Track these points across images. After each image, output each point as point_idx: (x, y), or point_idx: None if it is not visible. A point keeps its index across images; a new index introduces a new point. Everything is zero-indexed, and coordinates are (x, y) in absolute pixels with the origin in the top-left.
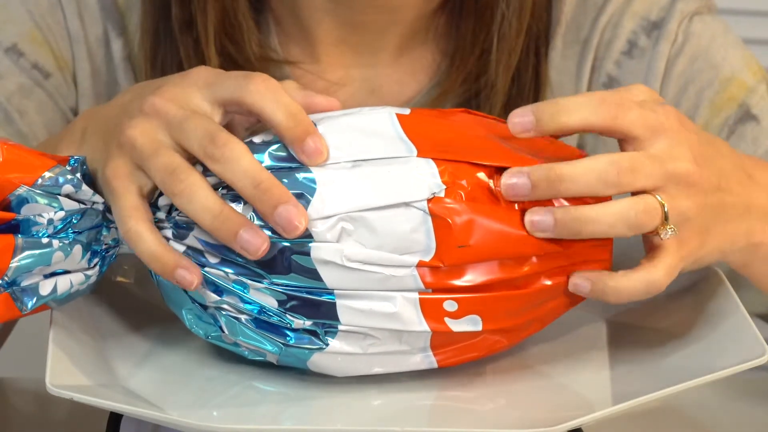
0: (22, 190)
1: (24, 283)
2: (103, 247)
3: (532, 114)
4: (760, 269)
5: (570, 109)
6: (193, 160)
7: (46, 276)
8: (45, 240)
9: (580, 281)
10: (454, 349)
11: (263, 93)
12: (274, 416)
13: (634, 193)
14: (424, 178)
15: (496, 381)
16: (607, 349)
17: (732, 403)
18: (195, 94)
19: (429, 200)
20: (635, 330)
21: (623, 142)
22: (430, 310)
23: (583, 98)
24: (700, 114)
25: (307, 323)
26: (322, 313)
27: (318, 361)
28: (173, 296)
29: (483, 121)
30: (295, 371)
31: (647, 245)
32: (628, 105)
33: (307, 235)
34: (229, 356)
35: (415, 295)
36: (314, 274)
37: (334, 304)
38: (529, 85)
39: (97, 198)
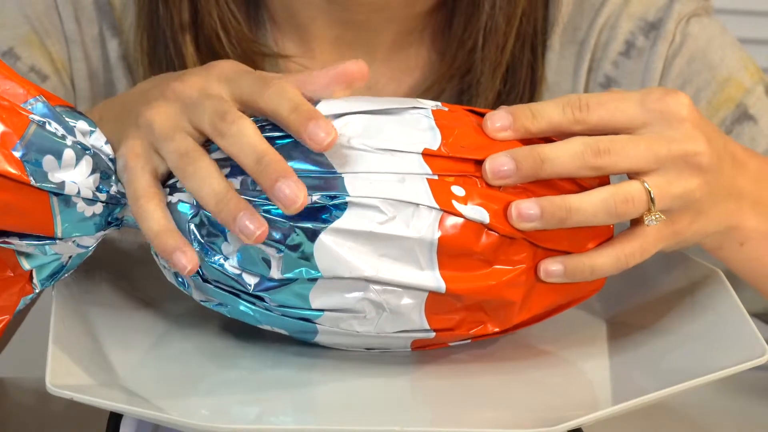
0: (40, 102)
1: (35, 158)
2: (112, 190)
3: (509, 114)
4: (733, 253)
5: (540, 111)
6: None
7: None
8: (59, 135)
9: (554, 267)
10: (461, 266)
11: (272, 96)
12: (275, 416)
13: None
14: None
15: (496, 380)
16: (607, 349)
17: (732, 403)
18: (215, 85)
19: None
20: (635, 330)
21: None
22: (438, 190)
23: (551, 101)
24: None
25: (316, 196)
26: (329, 185)
27: (324, 245)
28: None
29: None
30: (297, 370)
31: (631, 222)
32: (598, 102)
33: None
34: (230, 356)
35: (423, 177)
36: (321, 156)
37: (342, 178)
38: (524, 83)
39: (108, 149)
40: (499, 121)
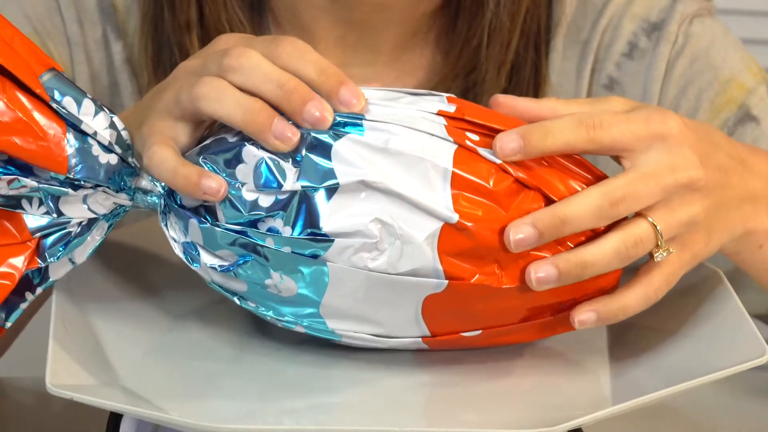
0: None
1: (57, 92)
2: (128, 159)
3: (520, 138)
4: (751, 257)
5: (555, 131)
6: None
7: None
8: (77, 88)
9: (585, 316)
10: (474, 203)
11: (291, 54)
12: (275, 416)
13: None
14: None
15: (496, 380)
16: (607, 349)
17: (732, 403)
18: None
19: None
20: (635, 330)
21: (618, 158)
22: (453, 131)
23: (566, 120)
24: (700, 115)
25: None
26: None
27: (339, 152)
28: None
29: None
30: (297, 371)
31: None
32: (610, 121)
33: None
34: (230, 356)
35: (440, 123)
36: None
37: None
38: (528, 81)
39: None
40: (509, 146)
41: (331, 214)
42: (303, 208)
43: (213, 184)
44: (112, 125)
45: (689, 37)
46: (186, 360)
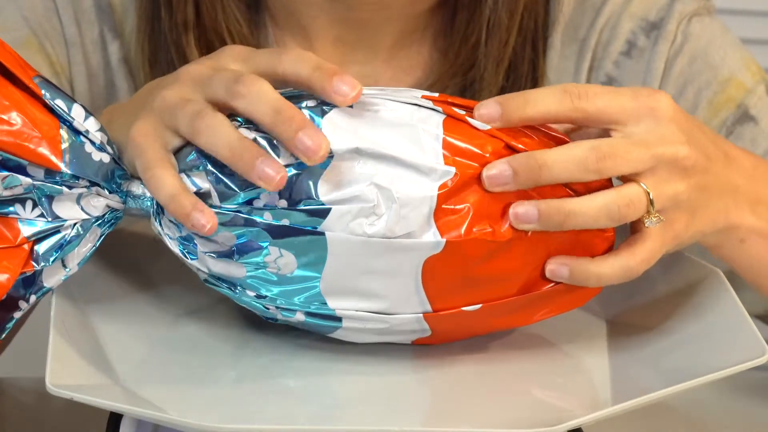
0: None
1: (49, 95)
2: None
3: (498, 105)
4: (734, 251)
5: (535, 99)
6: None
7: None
8: (66, 94)
9: (557, 267)
10: (467, 156)
11: (292, 59)
12: (274, 416)
13: (622, 179)
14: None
15: (495, 380)
16: (607, 349)
17: (732, 403)
18: (231, 64)
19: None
20: (635, 330)
21: (607, 130)
22: (439, 104)
23: (549, 89)
24: (699, 114)
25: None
26: None
27: (332, 119)
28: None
29: None
30: (296, 372)
31: (631, 227)
32: (596, 92)
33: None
34: (230, 355)
35: (426, 101)
36: None
37: None
38: (526, 78)
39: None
40: (487, 109)
41: (327, 183)
42: (299, 180)
43: (202, 219)
44: (102, 130)
45: (688, 36)
46: (186, 360)
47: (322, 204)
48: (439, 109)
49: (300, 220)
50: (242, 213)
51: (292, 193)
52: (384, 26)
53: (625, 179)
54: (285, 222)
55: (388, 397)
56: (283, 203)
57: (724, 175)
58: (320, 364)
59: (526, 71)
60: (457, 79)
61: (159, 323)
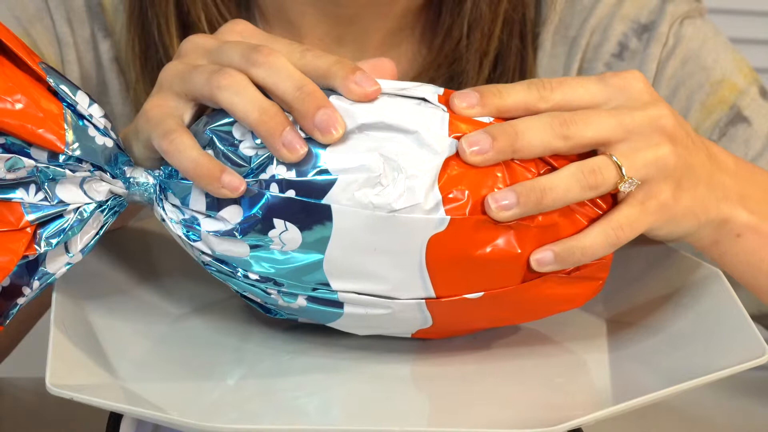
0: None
1: (54, 81)
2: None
3: (476, 93)
4: (730, 247)
5: (508, 90)
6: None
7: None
8: (70, 81)
9: (542, 254)
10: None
11: (311, 53)
12: (275, 416)
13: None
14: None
15: (496, 380)
16: (607, 349)
17: (732, 403)
18: (234, 37)
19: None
20: (636, 330)
21: None
22: (444, 101)
23: (519, 83)
24: (691, 116)
25: None
26: None
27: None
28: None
29: None
30: (297, 372)
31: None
32: (560, 81)
33: None
34: (230, 356)
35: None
36: None
37: None
38: (514, 71)
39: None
40: (467, 99)
41: (333, 152)
42: (305, 151)
43: (235, 180)
44: (106, 116)
45: (680, 38)
46: (186, 359)
47: (329, 173)
48: (443, 107)
49: (306, 191)
50: (249, 186)
51: (298, 164)
52: (372, 23)
53: (598, 153)
54: (291, 193)
55: (388, 397)
56: (291, 175)
57: (710, 168)
58: (321, 364)
59: (513, 64)
60: (443, 71)
61: (160, 323)
